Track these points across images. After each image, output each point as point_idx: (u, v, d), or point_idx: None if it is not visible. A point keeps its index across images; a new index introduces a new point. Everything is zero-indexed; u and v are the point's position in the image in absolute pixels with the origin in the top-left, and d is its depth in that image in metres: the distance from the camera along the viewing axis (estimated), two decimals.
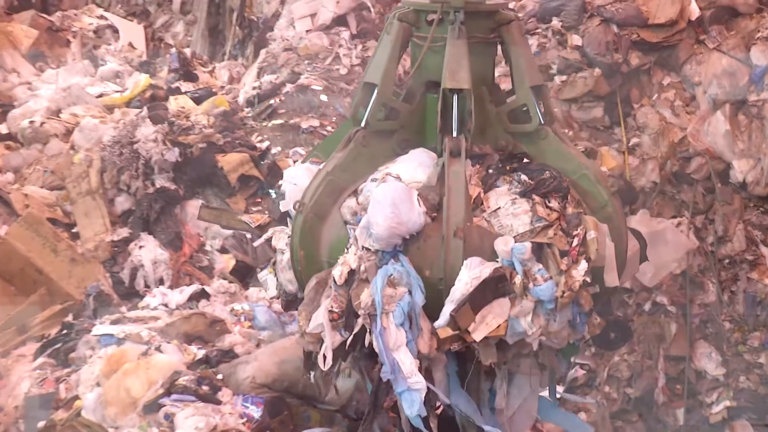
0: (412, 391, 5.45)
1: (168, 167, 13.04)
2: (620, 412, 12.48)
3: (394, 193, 5.58)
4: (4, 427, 9.33)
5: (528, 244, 5.46)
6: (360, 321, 5.56)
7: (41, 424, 8.73)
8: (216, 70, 18.12)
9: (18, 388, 9.69)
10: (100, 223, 12.95)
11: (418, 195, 5.65)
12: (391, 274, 5.49)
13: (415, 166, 5.88)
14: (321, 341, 5.72)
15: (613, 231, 5.82)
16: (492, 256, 5.55)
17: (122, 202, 13.21)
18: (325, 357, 5.70)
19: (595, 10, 12.72)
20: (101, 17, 21.08)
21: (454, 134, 5.79)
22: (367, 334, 5.58)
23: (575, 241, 5.50)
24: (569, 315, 5.62)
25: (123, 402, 7.84)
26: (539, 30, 12.81)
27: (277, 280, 6.74)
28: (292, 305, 6.59)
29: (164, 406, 7.51)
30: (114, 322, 9.62)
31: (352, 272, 5.64)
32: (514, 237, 5.55)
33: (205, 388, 7.68)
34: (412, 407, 5.53)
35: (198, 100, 14.97)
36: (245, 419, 7.52)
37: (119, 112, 14.93)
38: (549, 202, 5.66)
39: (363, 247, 5.64)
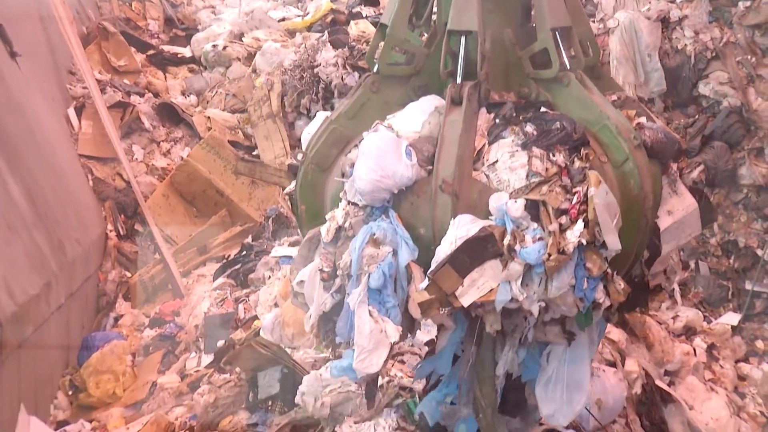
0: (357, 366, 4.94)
1: (348, 91, 12.82)
2: None
3: (380, 143, 5.06)
4: (184, 345, 9.42)
5: (521, 201, 4.85)
6: (338, 282, 5.07)
7: (220, 342, 8.77)
8: None
9: (198, 308, 9.78)
10: (280, 146, 12.93)
11: (410, 146, 5.07)
12: (374, 233, 4.96)
13: (419, 114, 5.29)
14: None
15: (631, 189, 5.19)
16: (489, 215, 4.94)
17: (302, 126, 13.09)
18: (310, 316, 5.22)
19: None
20: None
21: (458, 80, 5.18)
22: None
23: (575, 199, 4.86)
24: (569, 279, 4.90)
25: (300, 323, 7.71)
26: None
27: None
28: None
29: None
30: (292, 244, 9.58)
31: (340, 229, 5.13)
32: (510, 194, 4.93)
33: None
34: (342, 373, 5.20)
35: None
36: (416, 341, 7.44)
37: (300, 36, 14.83)
38: (553, 155, 5.02)
39: (350, 202, 5.11)
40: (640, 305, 6.14)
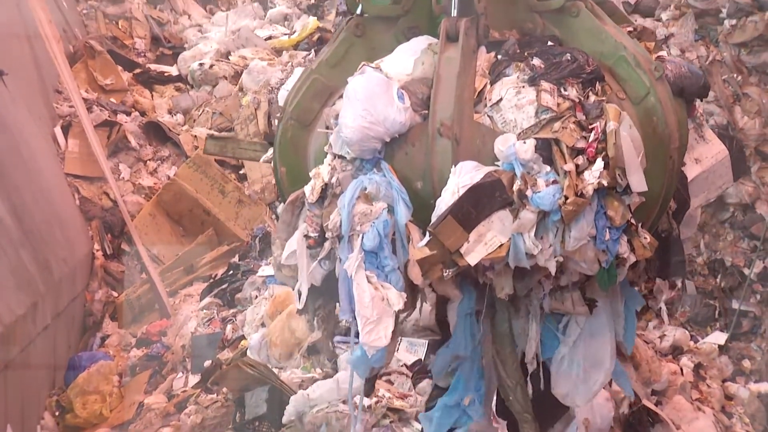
0: (364, 340, 4.34)
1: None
2: None
3: (367, 85, 4.51)
4: (171, 365, 9.39)
5: (531, 142, 4.35)
6: (328, 246, 4.55)
7: (207, 362, 8.76)
8: None
9: (185, 328, 9.77)
10: (267, 165, 12.90)
11: (401, 88, 4.56)
12: (366, 187, 4.43)
13: (410, 54, 4.75)
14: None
15: (654, 127, 4.65)
16: (495, 161, 4.45)
17: None
18: (299, 293, 4.71)
19: None
20: None
21: (454, 14, 4.66)
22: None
23: (592, 136, 4.35)
24: (589, 229, 4.36)
25: (287, 343, 7.77)
26: None
27: None
28: None
29: None
30: None
31: (326, 187, 4.58)
32: (518, 135, 4.43)
33: None
34: (359, 363, 4.55)
35: None
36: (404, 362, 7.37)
37: (287, 54, 14.83)
38: (564, 89, 4.50)
39: (336, 155, 4.59)
40: (678, 272, 5.51)
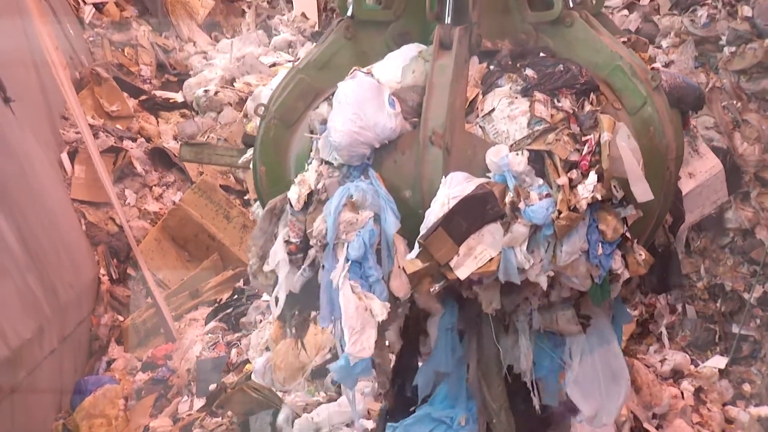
0: (350, 351, 4.22)
1: None
2: None
3: (358, 89, 4.41)
4: (176, 389, 9.44)
5: (524, 153, 4.24)
6: (312, 254, 4.47)
7: (212, 386, 8.80)
8: None
9: (190, 352, 9.82)
10: None
11: (392, 94, 4.46)
12: (352, 195, 4.34)
13: (401, 62, 4.61)
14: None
15: (651, 138, 4.53)
16: (485, 173, 4.33)
17: None
18: (277, 300, 4.60)
19: None
20: None
21: (447, 22, 4.57)
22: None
23: (585, 149, 4.23)
24: (581, 243, 4.25)
25: (291, 367, 7.81)
26: (709, 1, 12.27)
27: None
28: None
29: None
30: None
31: (311, 194, 4.47)
32: (510, 146, 4.32)
33: None
34: (343, 373, 4.43)
35: None
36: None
37: None
38: (558, 101, 4.38)
39: (324, 161, 4.46)
40: (674, 283, 5.29)
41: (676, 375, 9.54)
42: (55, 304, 9.03)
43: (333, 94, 4.55)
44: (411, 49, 4.68)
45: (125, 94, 14.43)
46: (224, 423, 8.01)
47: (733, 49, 11.64)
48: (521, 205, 4.17)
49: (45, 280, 8.96)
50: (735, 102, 11.45)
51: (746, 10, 11.79)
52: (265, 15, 18.80)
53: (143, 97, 15.08)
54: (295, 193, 4.48)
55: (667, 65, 11.71)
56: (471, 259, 4.21)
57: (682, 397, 8.91)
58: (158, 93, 15.53)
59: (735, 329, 10.85)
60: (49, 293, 8.97)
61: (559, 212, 4.13)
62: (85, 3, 15.71)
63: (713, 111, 11.36)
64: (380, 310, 4.27)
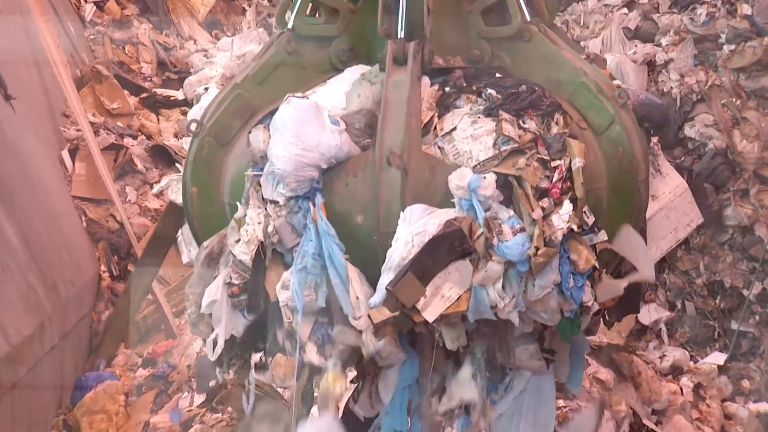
0: None
1: None
2: None
3: (294, 112, 4.11)
4: (177, 385, 9.44)
5: (491, 176, 3.90)
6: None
7: (212, 383, 8.78)
8: None
9: (190, 348, 9.81)
10: None
11: (340, 117, 4.18)
12: (305, 266, 4.08)
13: (344, 87, 4.36)
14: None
15: (620, 159, 4.28)
16: (446, 196, 4.03)
17: None
18: (215, 343, 4.40)
19: None
20: None
21: (400, 35, 4.29)
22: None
23: (556, 176, 3.95)
24: (554, 277, 3.97)
25: (291, 363, 7.77)
26: None
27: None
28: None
29: None
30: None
31: (262, 245, 4.22)
32: (473, 167, 4.01)
33: None
34: None
35: None
36: None
37: None
38: (523, 122, 4.10)
39: (269, 201, 4.19)
40: (632, 310, 5.06)
41: (676, 371, 9.55)
42: (55, 300, 9.03)
43: (273, 112, 4.31)
44: (353, 72, 4.46)
45: (126, 92, 14.43)
46: (224, 419, 8.01)
47: (733, 47, 11.67)
48: (495, 241, 3.91)
49: (46, 277, 8.97)
50: (734, 100, 11.48)
51: (745, 8, 11.82)
52: (265, 13, 18.81)
53: (144, 95, 15.08)
54: (245, 254, 4.23)
55: (666, 63, 11.73)
56: (438, 298, 3.96)
57: (682, 393, 8.93)
58: (159, 91, 15.54)
59: (734, 326, 10.88)
60: (50, 290, 8.98)
61: (537, 248, 3.89)
62: (86, 1, 15.75)
63: (713, 109, 11.38)
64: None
